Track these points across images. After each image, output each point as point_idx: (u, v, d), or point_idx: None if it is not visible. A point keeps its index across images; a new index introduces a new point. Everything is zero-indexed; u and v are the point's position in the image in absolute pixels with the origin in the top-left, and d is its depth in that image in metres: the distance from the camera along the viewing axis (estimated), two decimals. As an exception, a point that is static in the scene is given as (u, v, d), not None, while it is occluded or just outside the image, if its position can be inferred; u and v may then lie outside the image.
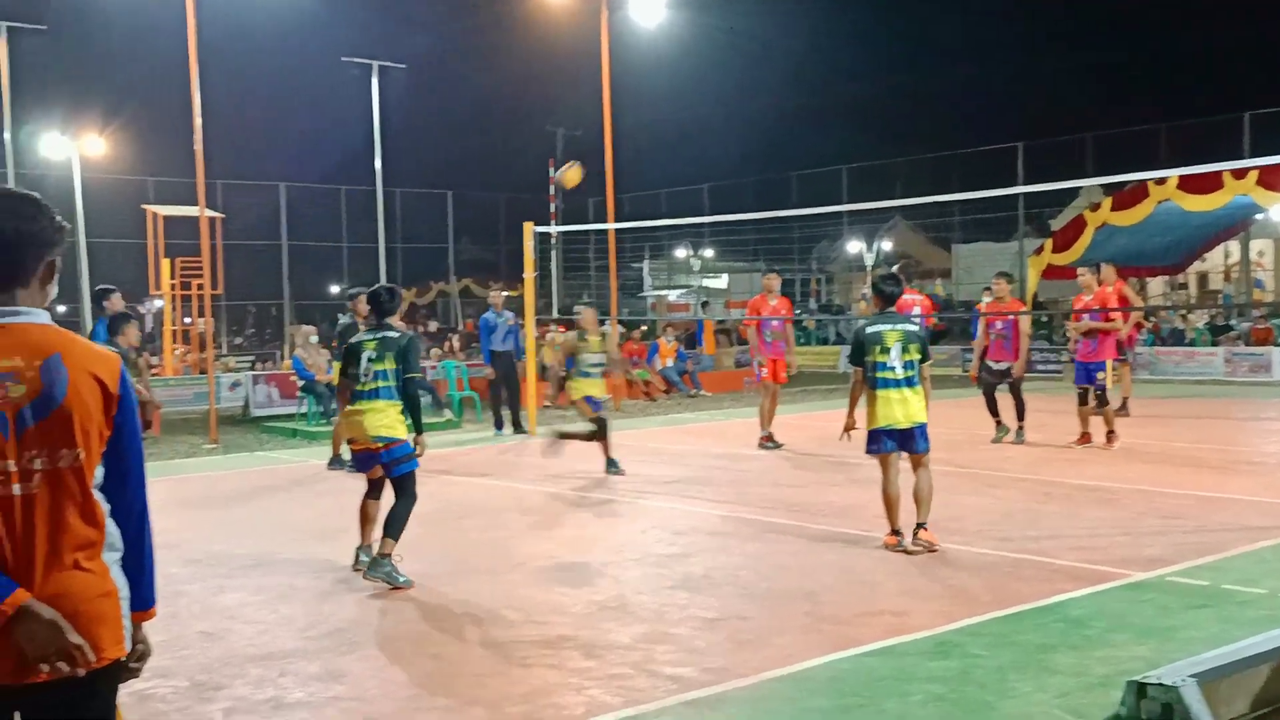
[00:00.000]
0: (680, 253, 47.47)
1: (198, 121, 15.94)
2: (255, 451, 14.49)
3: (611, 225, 19.83)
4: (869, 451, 7.82)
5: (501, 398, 15.77)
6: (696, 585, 6.85)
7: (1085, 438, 12.67)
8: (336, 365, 13.49)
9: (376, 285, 7.83)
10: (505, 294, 17.24)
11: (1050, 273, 27.10)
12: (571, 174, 15.75)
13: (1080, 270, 13.10)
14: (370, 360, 7.31)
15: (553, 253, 38.40)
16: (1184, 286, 37.66)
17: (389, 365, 7.31)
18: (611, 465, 11.39)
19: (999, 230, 35.84)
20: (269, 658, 5.59)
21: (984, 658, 5.28)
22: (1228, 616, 5.86)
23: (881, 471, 7.75)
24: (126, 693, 4.72)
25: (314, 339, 17.04)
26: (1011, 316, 13.41)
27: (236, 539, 8.63)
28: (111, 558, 2.54)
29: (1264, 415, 15.80)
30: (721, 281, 48.42)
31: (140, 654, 2.65)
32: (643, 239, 42.53)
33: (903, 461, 7.77)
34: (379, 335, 7.44)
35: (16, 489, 2.39)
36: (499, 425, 15.73)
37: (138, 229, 25.72)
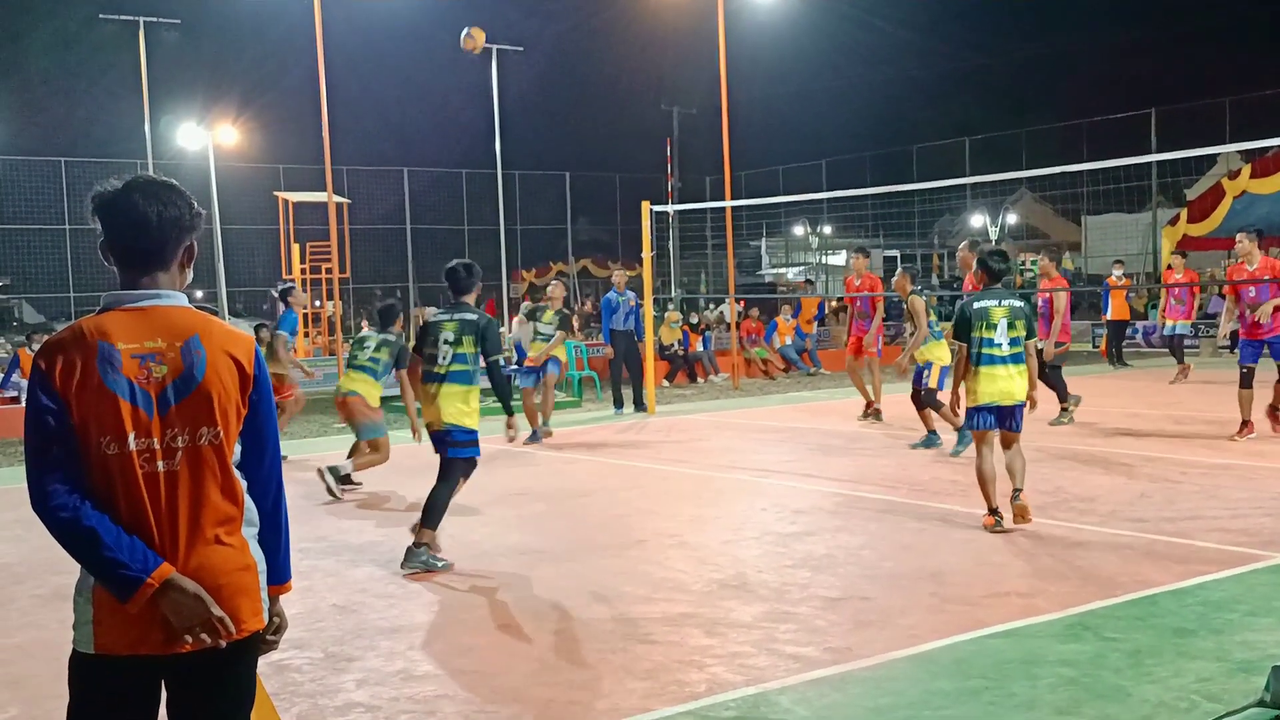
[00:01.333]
0: (798, 230, 47.03)
1: (324, 110, 16.34)
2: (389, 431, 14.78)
3: (729, 203, 19.71)
4: (967, 427, 7.87)
5: (622, 376, 15.85)
6: (818, 564, 6.80)
7: (1248, 427, 11.08)
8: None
9: (454, 261, 7.53)
10: (627, 274, 17.28)
11: (1185, 243, 26.15)
12: (475, 37, 16.49)
13: (1239, 236, 11.61)
14: (448, 342, 7.16)
15: (670, 232, 38.39)
16: (1329, 257, 35.93)
17: (468, 349, 7.17)
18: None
19: (1131, 201, 34.66)
20: (399, 631, 5.72)
21: (1118, 641, 5.13)
22: (1379, 601, 5.59)
23: (976, 448, 7.70)
24: (264, 663, 4.88)
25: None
26: (1047, 294, 12.68)
27: (365, 515, 8.85)
28: (250, 532, 2.63)
29: None
30: (840, 258, 47.85)
31: (277, 627, 2.74)
32: (760, 216, 42.23)
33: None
34: (457, 316, 7.25)
35: (161, 465, 2.48)
36: (619, 404, 15.81)
37: (269, 215, 26.50)
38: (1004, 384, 7.57)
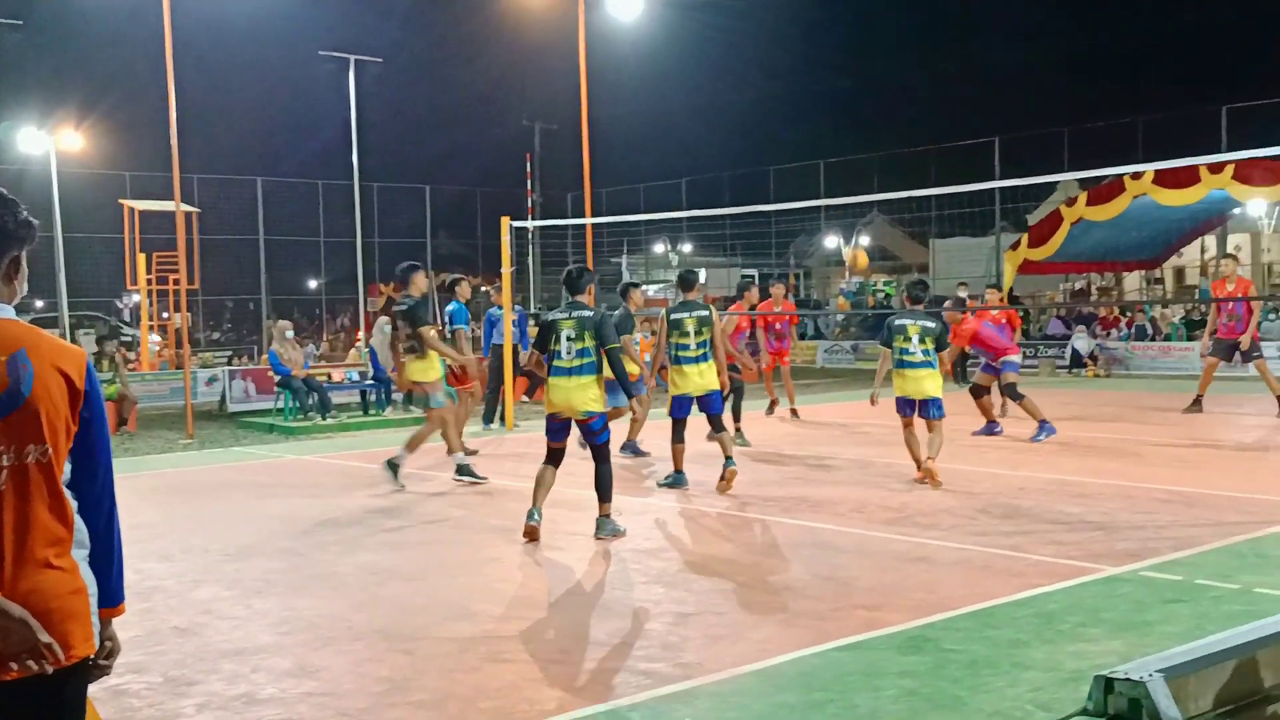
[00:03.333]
0: (659, 248, 47.47)
1: (173, 116, 15.83)
2: (231, 447, 14.42)
3: (589, 220, 19.80)
4: (898, 412, 10.10)
5: (499, 392, 15.74)
6: (672, 580, 6.86)
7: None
8: (300, 361, 13.67)
9: (570, 265, 8.71)
10: (484, 289, 17.22)
11: (1026, 268, 27.25)
12: None
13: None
14: (569, 339, 8.03)
15: (531, 248, 38.31)
16: (1160, 281, 37.86)
17: (589, 343, 8.01)
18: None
19: (976, 225, 35.92)
20: (242, 653, 5.57)
21: (956, 652, 5.30)
22: (1202, 612, 5.89)
23: (903, 429, 10.10)
24: (100, 688, 4.70)
25: (290, 334, 16.99)
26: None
27: (212, 534, 8.59)
28: (80, 554, 2.52)
29: (1240, 410, 15.92)
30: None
31: (109, 651, 2.63)
32: (621, 234, 42.51)
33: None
34: (575, 314, 8.13)
35: None
36: (488, 419, 15.71)
37: (115, 224, 25.54)
38: (913, 384, 9.95)
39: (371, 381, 17.42)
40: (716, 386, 10.26)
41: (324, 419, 16.09)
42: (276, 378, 16.69)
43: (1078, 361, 24.57)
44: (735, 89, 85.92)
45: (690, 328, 10.19)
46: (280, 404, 16.81)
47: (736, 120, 75.35)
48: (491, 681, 5.09)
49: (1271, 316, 24.38)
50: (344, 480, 11.40)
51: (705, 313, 10.29)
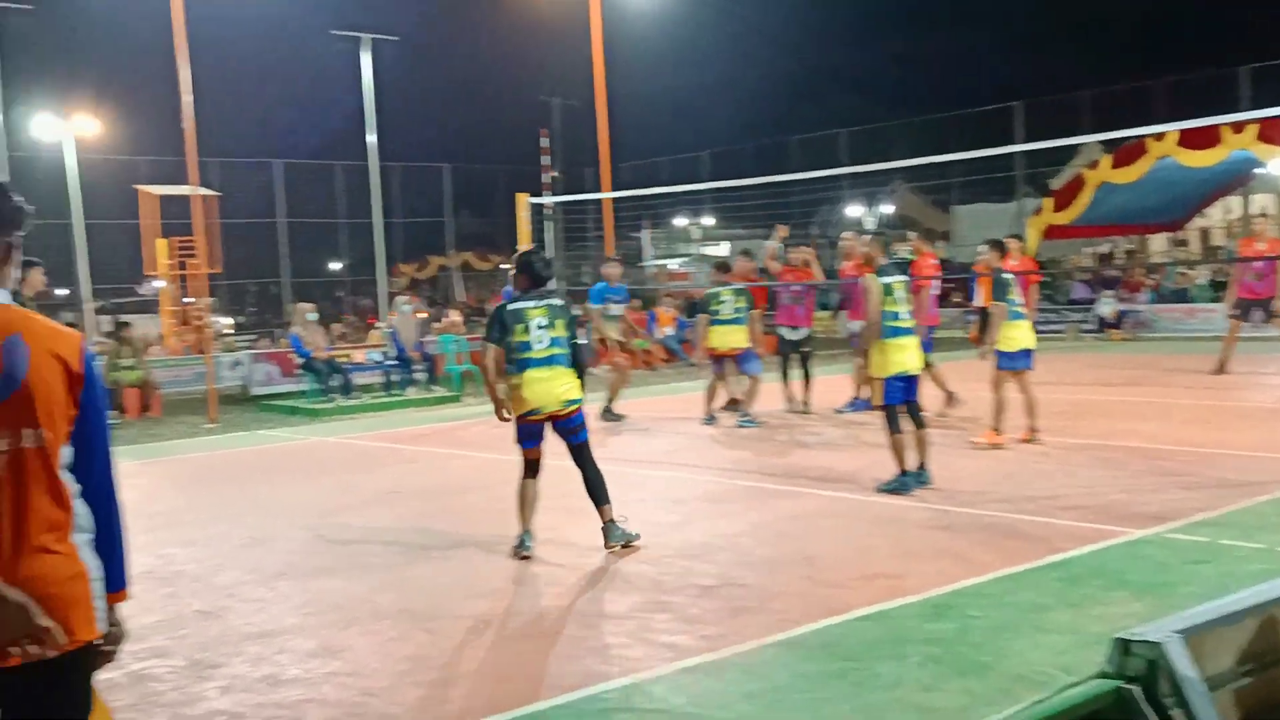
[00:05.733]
0: (680, 221, 47.31)
1: (187, 99, 15.83)
2: (255, 431, 14.48)
3: (608, 194, 19.73)
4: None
5: None
6: (695, 553, 6.84)
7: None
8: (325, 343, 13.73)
9: (526, 253, 7.56)
10: (504, 266, 17.19)
11: (1051, 232, 27.01)
12: None
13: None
14: (541, 327, 7.12)
15: (548, 224, 38.26)
16: (1184, 243, 37.46)
17: (561, 332, 7.19)
18: None
19: (998, 191, 35.66)
20: (266, 635, 5.59)
21: (980, 619, 5.27)
22: (1226, 572, 5.84)
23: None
24: (123, 673, 4.73)
25: (311, 316, 17.01)
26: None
27: (235, 518, 8.63)
28: (81, 539, 2.50)
29: (1264, 370, 15.74)
30: (722, 249, 48.29)
31: (115, 636, 2.62)
32: (642, 208, 42.34)
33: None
34: (546, 302, 7.25)
35: None
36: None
37: (132, 209, 25.61)
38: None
39: (394, 362, 17.45)
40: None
41: (346, 400, 16.14)
42: (299, 360, 16.75)
43: (1103, 325, 24.36)
44: (755, 60, 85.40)
45: (899, 293, 8.58)
46: (303, 386, 16.87)
47: (757, 92, 74.83)
48: (513, 658, 5.09)
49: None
50: (367, 460, 11.43)
51: (905, 278, 8.87)
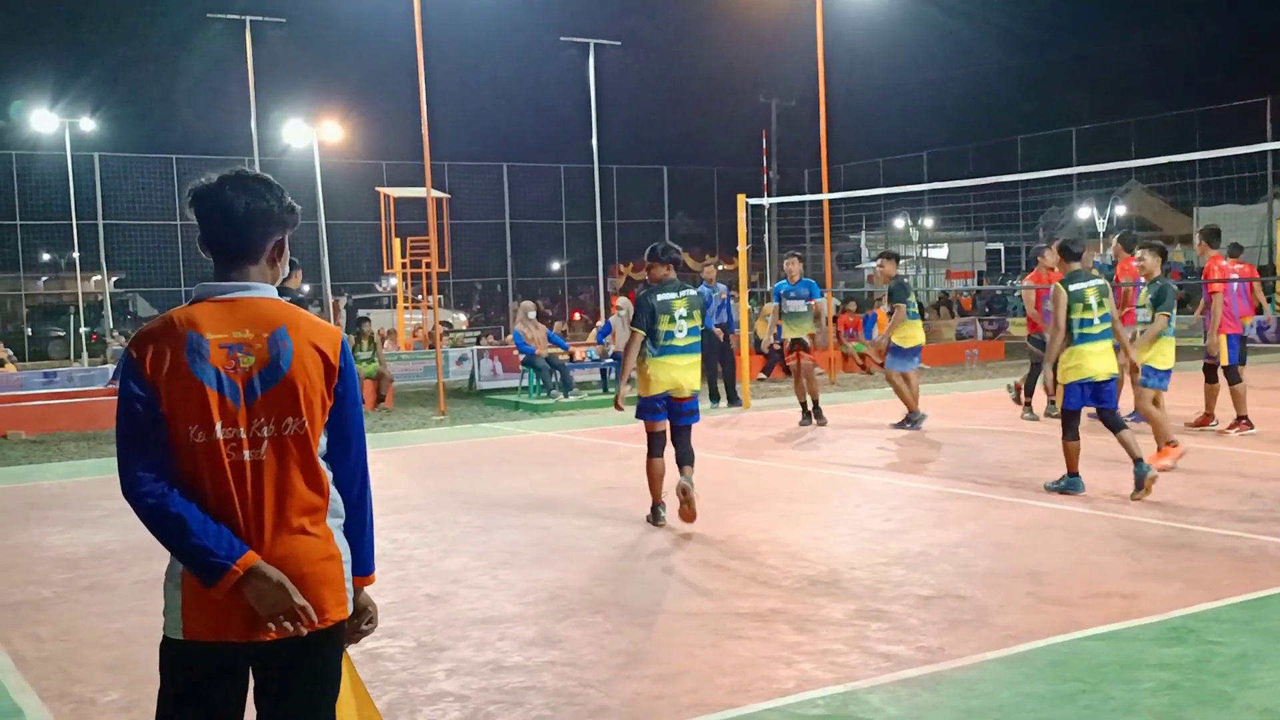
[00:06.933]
0: (899, 223, 46.42)
1: (424, 106, 16.56)
2: (480, 423, 15.00)
3: (826, 195, 19.54)
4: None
5: (716, 371, 15.80)
6: (912, 562, 6.70)
7: None
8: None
9: (658, 245, 8.17)
10: (721, 267, 17.22)
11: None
12: None
13: None
14: (683, 317, 7.86)
15: (767, 225, 38.12)
16: None
17: (698, 321, 7.95)
18: None
19: (1246, 192, 33.51)
20: (489, 621, 5.78)
21: (1223, 645, 4.96)
22: None
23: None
24: (357, 651, 4.97)
25: (533, 314, 17.50)
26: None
27: (461, 506, 8.96)
28: (335, 523, 2.66)
29: None
30: (942, 251, 47.11)
31: (370, 617, 2.76)
32: (859, 209, 41.81)
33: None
34: (684, 293, 7.95)
35: (247, 455, 2.52)
36: (713, 398, 15.77)
37: (372, 211, 26.96)
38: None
39: (611, 360, 17.77)
40: (1116, 370, 8.57)
41: (566, 396, 16.53)
42: (521, 356, 17.26)
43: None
44: (978, 57, 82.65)
45: (1092, 299, 8.41)
46: (525, 381, 17.38)
47: (979, 91, 72.66)
48: (728, 658, 5.10)
49: None
50: (585, 456, 11.68)
51: (1103, 282, 8.63)
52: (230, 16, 25.23)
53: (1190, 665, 4.74)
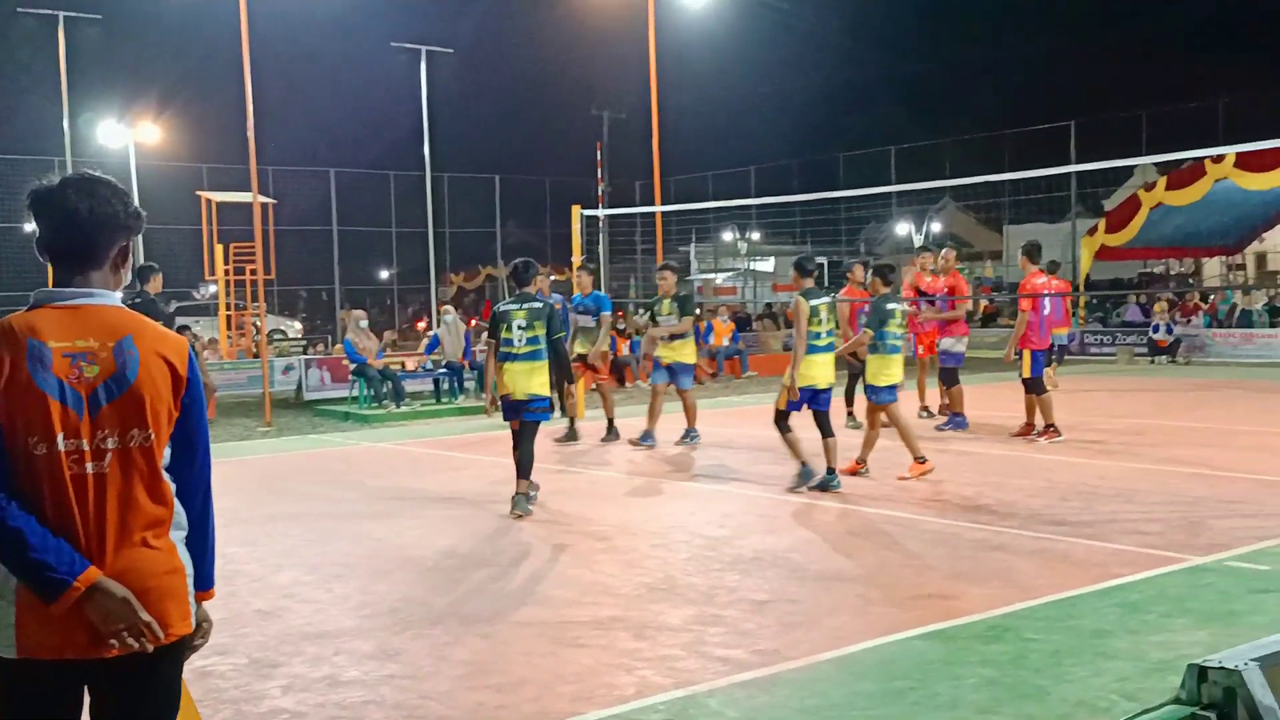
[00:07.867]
0: (727, 236, 47.31)
1: (250, 109, 16.09)
2: (308, 434, 14.65)
3: (658, 208, 19.77)
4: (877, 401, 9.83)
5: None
6: (746, 567, 6.85)
7: None
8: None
9: (516, 260, 8.95)
10: (553, 278, 17.24)
11: (1104, 254, 26.78)
12: None
13: None
14: (520, 328, 8.55)
15: (599, 236, 38.38)
16: (1241, 267, 36.98)
17: (539, 331, 8.55)
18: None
19: (1051, 211, 35.37)
20: (324, 636, 5.66)
21: (1038, 642, 5.24)
22: (1288, 601, 5.77)
23: (889, 415, 9.80)
24: (187, 669, 4.81)
25: (364, 323, 17.19)
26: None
27: (291, 519, 8.74)
28: (178, 536, 2.58)
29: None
30: (768, 264, 48.22)
31: (204, 631, 2.69)
32: (690, 222, 42.38)
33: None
34: (527, 305, 8.64)
35: (89, 467, 2.43)
36: (559, 409, 15.68)
37: (192, 215, 26.03)
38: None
39: (444, 370, 17.59)
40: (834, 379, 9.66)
41: (398, 407, 16.28)
42: (351, 365, 16.92)
43: (1157, 350, 24.07)
44: (804, 76, 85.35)
45: (824, 314, 9.34)
46: (354, 391, 17.05)
47: (805, 107, 74.85)
48: (569, 666, 5.13)
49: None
50: (419, 466, 11.53)
51: (831, 299, 9.70)
52: (42, 11, 24.03)
53: (1009, 661, 4.99)
